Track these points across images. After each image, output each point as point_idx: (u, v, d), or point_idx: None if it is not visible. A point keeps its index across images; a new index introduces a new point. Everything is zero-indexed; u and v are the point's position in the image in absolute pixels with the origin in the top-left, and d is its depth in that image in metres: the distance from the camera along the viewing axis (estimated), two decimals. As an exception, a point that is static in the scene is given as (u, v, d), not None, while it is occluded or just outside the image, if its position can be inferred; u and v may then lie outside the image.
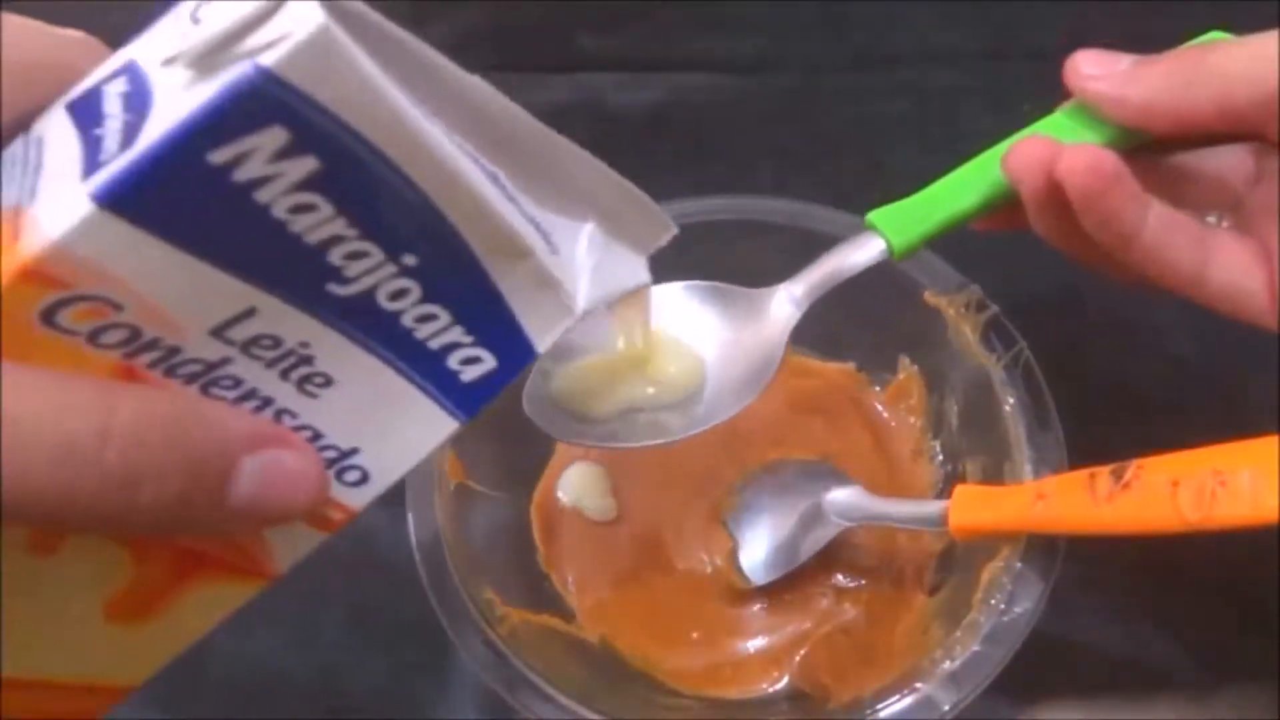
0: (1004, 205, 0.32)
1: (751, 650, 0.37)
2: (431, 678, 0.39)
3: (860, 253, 0.33)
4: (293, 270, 0.18)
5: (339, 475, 0.22)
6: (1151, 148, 0.32)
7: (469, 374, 0.22)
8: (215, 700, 0.39)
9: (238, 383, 0.20)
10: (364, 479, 0.22)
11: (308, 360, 0.20)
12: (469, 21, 0.54)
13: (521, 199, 0.21)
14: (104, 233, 0.16)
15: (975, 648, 0.31)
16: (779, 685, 0.36)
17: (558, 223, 0.22)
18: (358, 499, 0.22)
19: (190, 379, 0.19)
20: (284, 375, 0.20)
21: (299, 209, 0.17)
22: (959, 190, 0.33)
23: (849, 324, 0.42)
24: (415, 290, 0.20)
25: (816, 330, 0.43)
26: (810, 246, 0.34)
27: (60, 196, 0.16)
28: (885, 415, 0.42)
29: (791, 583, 0.37)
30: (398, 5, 0.19)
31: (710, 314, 0.33)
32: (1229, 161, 0.32)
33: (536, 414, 0.31)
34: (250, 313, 0.18)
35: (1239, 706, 0.37)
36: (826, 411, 0.42)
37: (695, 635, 0.37)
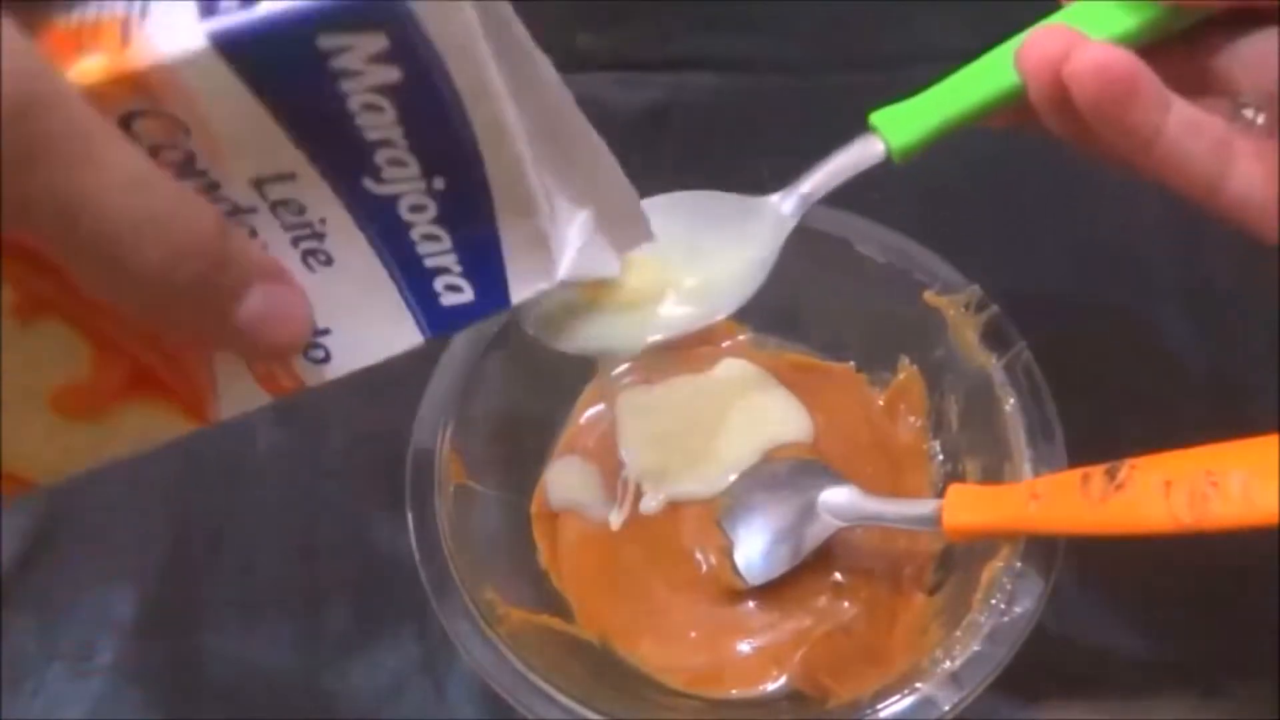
0: (1019, 102, 0.30)
1: (750, 650, 0.37)
2: (431, 678, 0.39)
3: (857, 155, 0.32)
4: (342, 155, 0.21)
5: (306, 349, 0.24)
6: (1190, 30, 0.29)
7: (447, 300, 0.24)
8: (215, 701, 0.39)
9: (253, 233, 0.22)
10: (325, 359, 0.24)
11: (319, 236, 0.22)
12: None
13: (544, 167, 0.23)
14: (206, 68, 0.18)
15: (975, 648, 0.31)
16: (778, 685, 0.36)
17: (563, 200, 0.25)
18: (312, 375, 0.25)
19: None
20: (294, 243, 0.22)
21: (369, 107, 0.20)
22: (969, 85, 0.31)
23: (849, 324, 0.42)
24: (432, 210, 0.22)
25: (816, 330, 0.43)
26: (811, 246, 0.34)
27: (175, 24, 0.18)
28: (885, 415, 0.42)
29: (790, 582, 0.37)
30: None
31: (703, 218, 0.33)
32: (1274, 46, 0.28)
33: (536, 328, 0.32)
34: (290, 176, 0.21)
35: (1239, 706, 0.37)
36: (826, 410, 0.42)
37: (693, 635, 0.37)
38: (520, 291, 0.25)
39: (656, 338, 0.31)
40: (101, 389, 0.23)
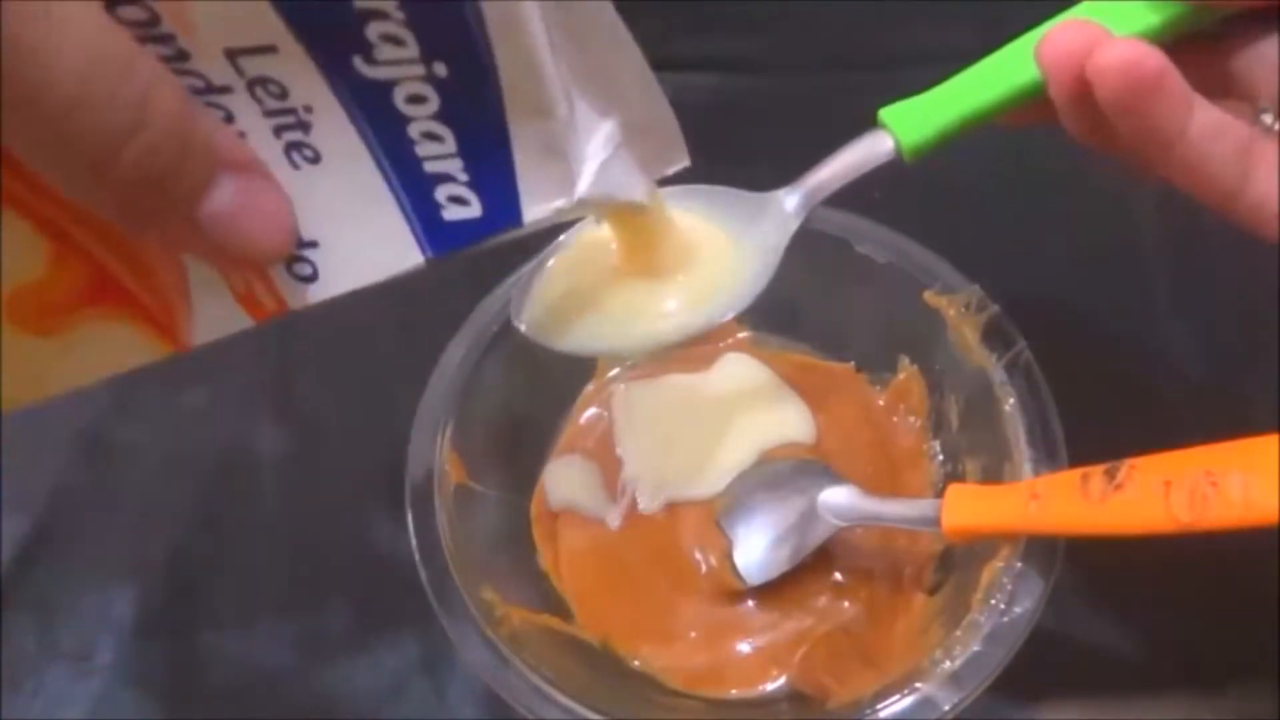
0: (1033, 101, 0.29)
1: (750, 650, 0.37)
2: (431, 678, 0.39)
3: (866, 152, 0.31)
4: (329, 24, 0.18)
5: (290, 263, 0.21)
6: (1211, 31, 0.28)
7: (451, 213, 0.21)
8: (215, 701, 0.39)
9: (230, 118, 0.19)
10: (312, 276, 0.22)
11: (305, 127, 0.20)
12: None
13: (564, 65, 0.20)
14: None
15: (975, 648, 0.31)
16: (778, 685, 0.36)
17: (584, 105, 0.22)
18: (297, 295, 0.22)
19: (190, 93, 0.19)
20: (277, 132, 0.20)
21: None
22: (985, 81, 0.29)
23: (849, 324, 0.42)
24: (433, 103, 0.19)
25: (816, 329, 0.43)
26: (813, 245, 0.34)
27: None
28: (885, 415, 0.42)
29: (790, 582, 0.37)
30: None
31: (705, 216, 0.32)
32: None
33: (529, 326, 0.30)
34: (270, 49, 0.18)
35: (1239, 706, 0.37)
36: (826, 410, 0.42)
37: (693, 635, 0.37)
38: (534, 208, 0.22)
39: (657, 343, 0.30)
40: (60, 294, 0.21)
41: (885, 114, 0.31)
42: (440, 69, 0.19)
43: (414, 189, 0.21)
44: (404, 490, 0.34)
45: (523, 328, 0.31)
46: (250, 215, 0.19)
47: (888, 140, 0.30)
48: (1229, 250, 0.48)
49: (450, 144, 0.20)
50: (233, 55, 0.18)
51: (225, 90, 0.19)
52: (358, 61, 0.19)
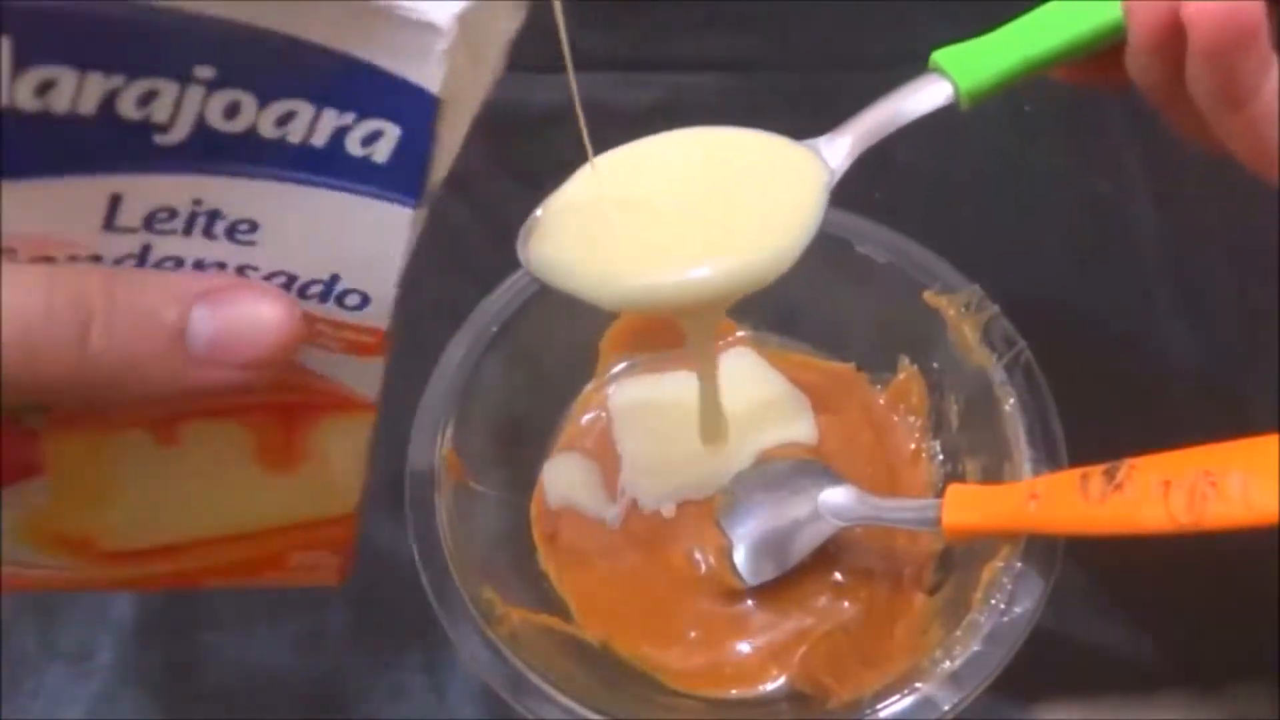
0: (1097, 49, 0.28)
1: (750, 650, 0.37)
2: (431, 678, 0.39)
3: (921, 97, 0.29)
4: (101, 144, 0.17)
5: (340, 303, 0.21)
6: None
7: (380, 153, 0.19)
8: (215, 701, 0.39)
9: (178, 261, 0.20)
10: (365, 300, 0.21)
11: (216, 214, 0.19)
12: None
13: None
14: None
15: (975, 648, 0.31)
16: (778, 685, 0.36)
17: None
18: (376, 318, 0.22)
19: None
20: (208, 235, 0.19)
21: (42, 89, 0.16)
22: (1047, 26, 0.28)
23: (849, 324, 0.42)
24: (248, 98, 0.18)
25: (816, 329, 0.43)
26: (813, 245, 0.34)
27: None
28: (885, 415, 0.42)
29: (790, 582, 0.37)
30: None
31: (738, 160, 0.30)
32: None
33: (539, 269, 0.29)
34: (117, 199, 0.18)
35: (1239, 706, 0.37)
36: (827, 410, 0.42)
37: (693, 635, 0.37)
38: (429, 74, 0.19)
39: (676, 287, 0.28)
40: (276, 441, 0.24)
41: (940, 56, 0.29)
42: (204, 72, 0.17)
43: (330, 168, 0.19)
44: (404, 490, 0.34)
45: (530, 263, 0.29)
46: (238, 319, 0.20)
47: (944, 85, 0.29)
48: (1229, 250, 0.48)
49: (306, 107, 0.18)
50: (109, 226, 0.18)
51: (147, 249, 0.19)
52: (159, 138, 0.18)
